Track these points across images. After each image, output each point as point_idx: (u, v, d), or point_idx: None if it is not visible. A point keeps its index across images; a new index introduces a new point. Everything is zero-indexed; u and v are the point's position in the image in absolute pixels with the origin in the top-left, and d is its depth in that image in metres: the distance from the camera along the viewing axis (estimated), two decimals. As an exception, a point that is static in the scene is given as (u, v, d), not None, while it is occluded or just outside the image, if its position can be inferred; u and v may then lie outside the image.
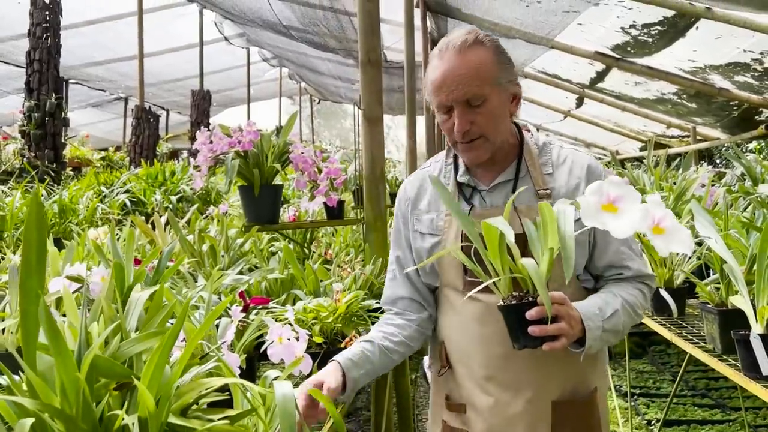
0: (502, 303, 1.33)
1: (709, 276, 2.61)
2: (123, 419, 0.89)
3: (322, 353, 1.93)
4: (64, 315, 1.15)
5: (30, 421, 0.83)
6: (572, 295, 1.55)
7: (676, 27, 4.77)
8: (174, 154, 10.90)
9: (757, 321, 1.76)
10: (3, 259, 2.53)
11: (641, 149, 9.75)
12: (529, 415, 1.56)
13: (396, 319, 1.71)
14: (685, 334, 2.48)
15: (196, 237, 2.67)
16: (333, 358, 1.56)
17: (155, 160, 7.03)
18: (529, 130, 1.75)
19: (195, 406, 1.06)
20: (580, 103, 8.53)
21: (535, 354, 1.38)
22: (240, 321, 1.72)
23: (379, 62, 2.94)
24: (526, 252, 1.32)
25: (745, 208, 2.89)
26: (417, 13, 6.32)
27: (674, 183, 3.30)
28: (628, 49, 5.54)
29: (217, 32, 9.40)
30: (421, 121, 6.85)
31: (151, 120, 7.70)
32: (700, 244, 2.58)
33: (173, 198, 4.49)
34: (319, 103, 16.87)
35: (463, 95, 1.52)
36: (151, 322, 1.10)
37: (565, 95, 8.30)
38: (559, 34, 5.72)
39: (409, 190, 1.76)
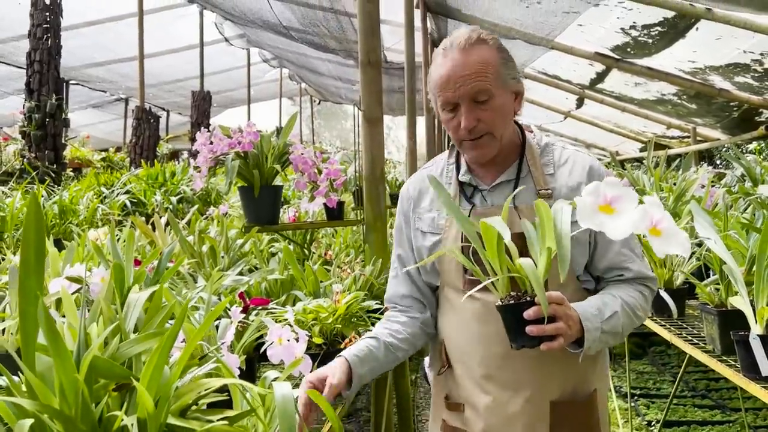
0: (500, 303, 1.34)
1: (708, 277, 2.61)
2: (122, 420, 0.89)
3: (321, 354, 1.93)
4: (64, 316, 1.15)
5: (29, 421, 0.83)
6: (572, 295, 1.55)
7: (676, 28, 4.77)
8: (174, 155, 10.91)
9: (756, 322, 1.76)
10: (3, 259, 2.53)
11: (641, 150, 9.75)
12: (527, 414, 1.56)
13: (400, 317, 1.72)
14: (684, 335, 2.48)
15: (196, 238, 2.68)
16: (340, 354, 1.57)
17: (155, 160, 7.03)
18: (531, 131, 1.75)
19: (194, 407, 1.06)
20: (580, 103, 8.53)
21: (534, 354, 1.39)
22: (240, 322, 1.72)
23: (379, 63, 2.94)
24: (525, 252, 1.33)
25: (745, 209, 2.89)
26: (417, 14, 6.33)
27: (674, 184, 3.30)
28: (628, 49, 5.54)
29: (218, 33, 9.40)
30: (421, 122, 6.86)
31: (152, 121, 7.70)
32: (699, 244, 2.58)
33: (173, 199, 4.49)
34: (319, 103, 16.88)
35: (470, 90, 1.53)
36: (151, 323, 1.11)
37: (565, 96, 8.30)
38: (559, 35, 5.72)
39: (411, 189, 1.78)
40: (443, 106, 1.60)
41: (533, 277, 1.25)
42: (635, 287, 1.60)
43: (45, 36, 5.83)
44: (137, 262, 1.95)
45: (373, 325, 2.07)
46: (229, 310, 1.69)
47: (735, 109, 6.24)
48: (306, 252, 3.33)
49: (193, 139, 8.11)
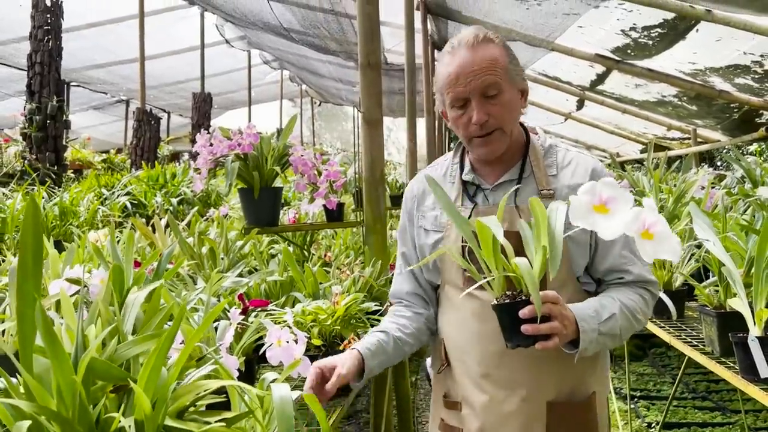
0: (496, 302, 1.34)
1: (708, 278, 2.61)
2: (119, 422, 0.89)
3: (320, 356, 1.94)
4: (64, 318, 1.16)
5: (27, 423, 0.83)
6: (572, 297, 1.55)
7: (676, 29, 4.77)
8: (175, 157, 10.91)
9: (755, 323, 1.76)
10: (3, 261, 2.53)
11: (642, 151, 9.75)
12: (523, 414, 1.57)
13: (405, 312, 1.75)
14: (684, 337, 2.48)
15: (195, 239, 2.68)
16: (353, 347, 1.60)
17: (156, 162, 7.04)
18: (536, 133, 1.77)
19: (192, 409, 1.06)
20: (580, 105, 8.54)
21: (532, 353, 1.39)
22: (239, 323, 1.72)
23: (378, 65, 2.94)
24: (522, 251, 1.33)
25: (745, 211, 2.89)
26: (417, 15, 6.33)
27: (674, 185, 3.30)
28: (629, 51, 5.55)
29: (218, 35, 9.41)
30: (421, 124, 6.86)
31: (152, 122, 7.71)
32: (699, 246, 2.58)
33: (174, 200, 4.49)
34: (320, 105, 16.88)
35: (480, 85, 1.55)
36: (149, 325, 1.11)
37: (566, 97, 8.30)
38: (559, 37, 5.73)
39: (415, 188, 1.80)
40: (453, 103, 1.61)
41: (528, 277, 1.26)
42: (635, 290, 1.60)
43: (46, 38, 5.84)
44: (137, 264, 1.96)
45: (372, 326, 2.08)
46: (228, 311, 1.69)
47: (735, 110, 6.24)
48: (306, 254, 3.33)
49: (193, 141, 8.11)
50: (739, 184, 3.85)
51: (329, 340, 2.00)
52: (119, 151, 9.93)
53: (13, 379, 0.94)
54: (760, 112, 5.94)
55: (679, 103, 6.71)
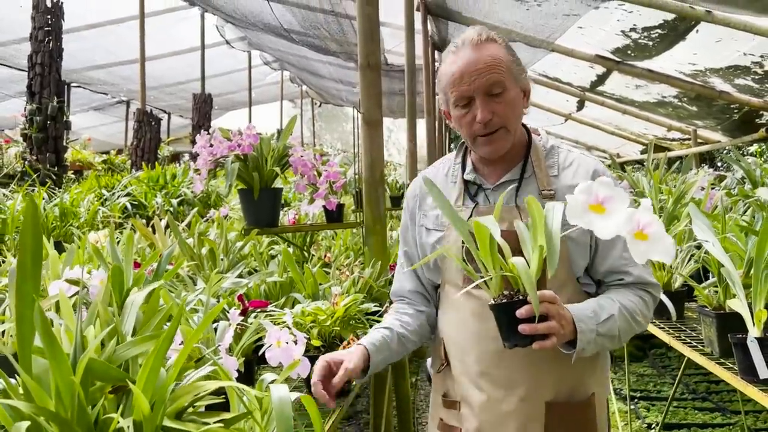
0: (493, 302, 1.34)
1: (708, 279, 2.61)
2: (118, 422, 0.89)
3: (319, 357, 1.94)
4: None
5: (25, 424, 0.84)
6: (572, 297, 1.56)
7: (676, 30, 4.77)
8: (175, 157, 10.91)
9: (754, 324, 1.76)
10: (4, 262, 2.53)
11: (642, 152, 9.75)
12: (521, 413, 1.57)
13: (408, 309, 1.77)
14: (683, 338, 2.48)
15: (195, 240, 2.68)
16: (359, 342, 1.63)
17: (156, 163, 7.04)
18: (539, 134, 1.77)
19: (191, 409, 1.06)
20: (580, 106, 8.54)
21: (531, 353, 1.40)
22: (239, 324, 1.72)
23: (378, 66, 2.94)
24: (520, 251, 1.33)
25: (745, 212, 2.89)
26: (418, 16, 6.34)
27: (674, 186, 3.30)
28: (629, 52, 5.55)
29: (219, 36, 9.42)
30: (421, 125, 6.87)
31: (153, 123, 7.71)
32: (699, 247, 2.58)
33: (174, 201, 4.49)
34: (320, 106, 16.89)
35: (485, 83, 1.56)
36: (148, 325, 1.11)
37: (566, 98, 8.31)
38: (559, 38, 5.73)
39: (417, 188, 1.81)
40: (457, 102, 1.61)
41: (525, 276, 1.26)
42: (635, 292, 1.60)
43: (46, 39, 5.85)
44: (137, 265, 1.96)
45: (371, 327, 2.08)
46: (228, 312, 1.70)
47: (735, 111, 6.25)
48: (305, 254, 3.33)
49: (194, 142, 8.12)
50: (738, 185, 3.85)
51: (329, 341, 2.00)
52: (120, 152, 9.93)
53: (12, 380, 0.94)
54: (761, 112, 5.94)
55: (680, 103, 6.72)
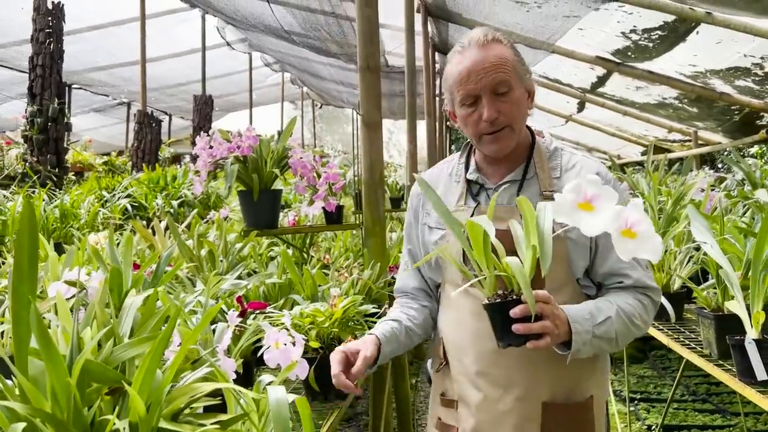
0: (487, 301, 1.35)
1: (707, 281, 2.62)
2: (114, 424, 0.90)
3: (318, 358, 1.94)
4: (60, 320, 1.16)
5: (22, 425, 0.84)
6: (571, 298, 1.56)
7: (676, 32, 4.77)
8: (176, 159, 10.92)
9: (752, 326, 1.76)
10: (4, 263, 2.54)
11: (643, 153, 9.75)
12: (517, 413, 1.57)
13: (413, 304, 1.79)
14: (682, 339, 2.48)
15: (195, 242, 2.69)
16: (370, 332, 1.65)
17: (157, 164, 7.04)
18: (543, 136, 1.78)
19: (187, 411, 1.07)
20: (581, 107, 8.54)
21: (529, 353, 1.40)
22: (237, 326, 1.73)
23: (377, 68, 2.95)
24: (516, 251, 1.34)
25: (744, 213, 2.89)
26: (418, 18, 6.35)
27: (674, 188, 3.30)
28: (629, 53, 5.55)
29: (220, 37, 9.44)
30: (422, 126, 6.87)
31: (154, 125, 7.72)
32: (698, 248, 2.58)
33: (175, 203, 4.50)
34: (321, 107, 16.89)
35: (491, 82, 1.57)
36: (145, 327, 1.11)
37: (566, 100, 8.31)
38: (559, 39, 5.74)
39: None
40: (463, 101, 1.62)
41: (520, 276, 1.26)
42: (634, 296, 1.59)
43: (47, 40, 5.86)
44: (136, 266, 1.96)
45: (369, 328, 2.08)
46: (226, 313, 1.70)
47: (736, 112, 6.25)
48: (305, 256, 3.33)
49: (194, 143, 8.12)
50: (738, 187, 3.85)
51: (327, 343, 2.00)
52: (120, 153, 9.94)
53: (9, 381, 0.94)
54: (761, 114, 5.94)
55: (680, 105, 6.72)
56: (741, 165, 3.46)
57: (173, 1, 7.68)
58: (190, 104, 9.42)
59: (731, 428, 4.19)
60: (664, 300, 2.64)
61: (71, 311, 1.14)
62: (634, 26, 4.93)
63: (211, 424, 1.03)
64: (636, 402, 4.73)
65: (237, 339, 1.76)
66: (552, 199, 1.57)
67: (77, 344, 0.96)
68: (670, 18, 4.55)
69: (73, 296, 1.60)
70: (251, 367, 1.95)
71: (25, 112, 5.87)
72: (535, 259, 1.27)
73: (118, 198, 4.45)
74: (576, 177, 1.63)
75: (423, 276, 1.81)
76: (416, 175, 1.62)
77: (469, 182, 1.72)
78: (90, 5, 7.93)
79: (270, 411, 1.09)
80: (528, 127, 1.73)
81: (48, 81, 5.85)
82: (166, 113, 12.98)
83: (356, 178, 3.44)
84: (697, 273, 2.78)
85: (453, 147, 15.97)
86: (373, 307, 2.21)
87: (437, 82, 8.17)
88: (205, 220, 3.75)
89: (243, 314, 1.96)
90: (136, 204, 4.45)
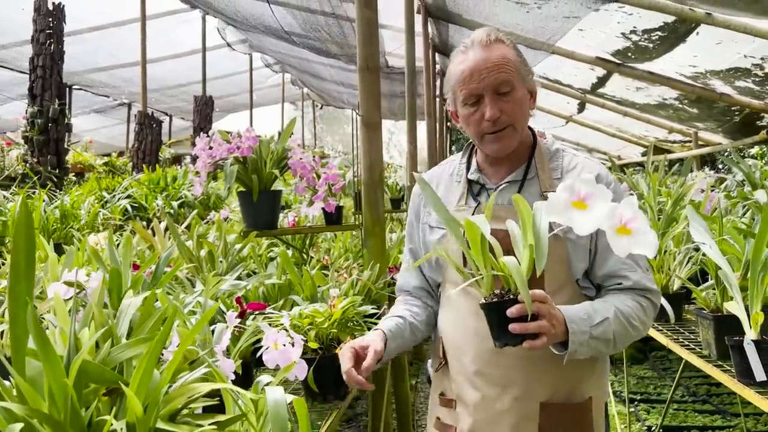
0: (484, 301, 1.35)
1: (707, 281, 2.61)
2: (111, 424, 0.90)
3: (317, 359, 1.94)
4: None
5: (19, 426, 0.84)
6: (570, 299, 1.56)
7: (676, 32, 4.77)
8: (177, 160, 10.93)
9: (750, 327, 1.76)
10: (4, 264, 2.54)
11: (643, 154, 9.74)
12: (515, 413, 1.58)
13: (416, 301, 1.80)
14: (681, 340, 2.48)
15: (194, 242, 2.69)
16: (377, 327, 1.67)
17: (157, 165, 7.04)
18: (545, 137, 1.78)
19: (185, 411, 1.07)
20: (581, 108, 8.54)
21: (527, 353, 1.41)
22: (236, 327, 1.73)
23: (377, 69, 2.95)
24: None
25: (744, 214, 2.89)
26: (418, 19, 6.35)
27: (674, 188, 3.30)
28: (629, 54, 5.55)
29: (220, 38, 9.44)
30: (422, 127, 6.87)
31: (154, 125, 7.72)
32: (697, 249, 2.58)
33: (175, 203, 4.50)
34: (321, 108, 16.89)
35: (494, 81, 1.58)
36: (143, 328, 1.11)
37: (567, 100, 8.31)
38: (559, 40, 5.73)
39: None
40: (465, 100, 1.63)
41: (517, 275, 1.26)
42: (633, 297, 1.59)
43: (48, 41, 5.87)
44: (136, 267, 1.97)
45: (369, 329, 2.08)
46: (225, 314, 1.70)
47: (736, 113, 6.24)
48: (305, 257, 3.33)
49: (195, 144, 8.11)
50: (738, 188, 3.85)
51: (326, 343, 2.00)
52: (121, 154, 9.95)
53: (6, 382, 0.94)
54: (761, 115, 5.94)
55: (680, 106, 6.71)
56: (741, 166, 3.46)
57: (174, 2, 7.68)
58: (190, 105, 9.42)
59: (731, 429, 4.19)
60: (663, 301, 2.64)
61: (69, 312, 1.14)
62: (634, 27, 4.93)
63: (209, 424, 1.03)
64: (636, 403, 4.73)
65: (236, 340, 1.76)
66: (552, 199, 1.58)
67: (75, 345, 0.96)
68: (670, 19, 4.55)
69: (73, 297, 1.60)
70: (250, 368, 1.95)
71: (26, 113, 5.87)
72: (533, 258, 1.27)
73: (119, 199, 4.45)
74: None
75: (424, 275, 1.82)
76: (416, 174, 1.62)
77: (470, 182, 1.73)
78: (90, 6, 7.94)
79: (268, 411, 1.09)
80: (530, 128, 1.74)
81: (48, 82, 5.86)
82: (166, 114, 12.99)
83: (356, 179, 3.44)
84: (697, 274, 2.77)
85: (453, 148, 15.97)
86: (373, 308, 2.21)
87: (437, 83, 8.17)
88: (205, 220, 3.75)
89: (242, 315, 1.96)
90: (137, 205, 4.45)
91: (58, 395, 0.87)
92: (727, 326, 2.03)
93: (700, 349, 2.31)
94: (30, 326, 0.85)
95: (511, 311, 1.31)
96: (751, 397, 1.75)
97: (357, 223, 3.25)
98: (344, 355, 1.52)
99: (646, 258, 2.68)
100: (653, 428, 4.17)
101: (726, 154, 7.06)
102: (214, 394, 1.18)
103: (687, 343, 2.43)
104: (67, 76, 6.87)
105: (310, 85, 13.20)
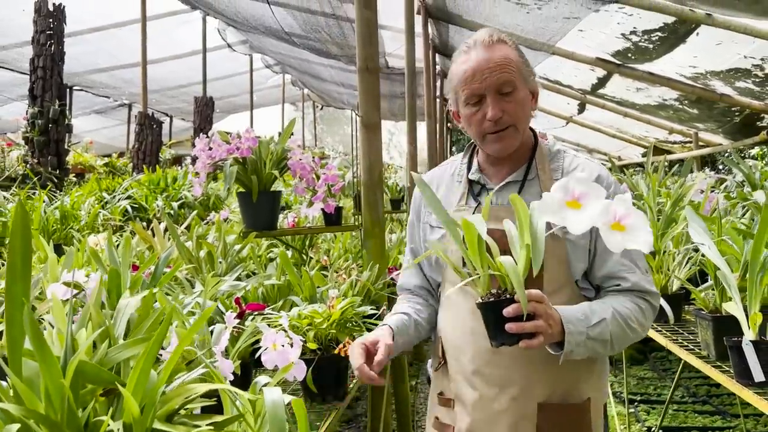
0: (480, 300, 1.35)
1: (706, 282, 2.61)
2: (108, 425, 0.90)
3: (316, 359, 1.94)
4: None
5: (16, 426, 0.84)
6: (569, 300, 1.56)
7: (676, 33, 4.77)
8: (177, 161, 10.93)
9: (749, 327, 1.76)
10: (3, 265, 2.54)
11: (643, 155, 9.74)
12: (513, 413, 1.58)
13: (418, 299, 1.81)
14: (680, 341, 2.48)
15: (194, 243, 2.69)
16: (384, 323, 1.66)
17: (158, 166, 7.05)
18: (546, 139, 1.78)
19: (183, 412, 1.07)
20: (581, 109, 8.54)
21: (524, 353, 1.41)
22: (235, 327, 1.73)
23: (376, 69, 2.95)
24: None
25: (744, 215, 2.89)
26: (418, 20, 6.35)
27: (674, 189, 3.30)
28: (629, 55, 5.55)
29: (221, 39, 9.45)
30: (422, 127, 6.87)
31: (155, 126, 7.73)
32: (697, 250, 2.58)
33: (175, 204, 4.50)
34: (321, 109, 16.90)
35: (496, 81, 1.58)
36: (140, 328, 1.12)
37: (567, 101, 8.31)
38: (560, 41, 5.73)
39: None
40: (467, 100, 1.63)
41: (513, 275, 1.26)
42: (632, 299, 1.58)
43: (48, 42, 5.87)
44: (135, 268, 1.97)
45: (368, 330, 2.08)
46: (224, 315, 1.70)
47: (737, 114, 6.24)
48: (304, 257, 3.33)
49: (195, 145, 8.10)
50: (738, 188, 3.85)
51: (325, 344, 2.00)
52: (121, 155, 9.95)
53: (3, 383, 0.94)
54: (762, 115, 5.94)
55: (681, 106, 6.71)
56: (741, 166, 3.46)
57: (174, 3, 7.68)
58: (190, 106, 9.43)
59: (731, 430, 4.19)
60: (662, 301, 2.63)
61: (73, 312, 1.14)
62: (634, 28, 4.93)
63: (206, 425, 1.03)
64: (636, 404, 4.73)
65: (235, 340, 1.76)
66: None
67: (71, 345, 0.96)
68: (670, 19, 4.55)
69: (72, 297, 1.60)
70: (249, 368, 1.95)
71: (26, 113, 5.88)
72: (530, 258, 1.27)
73: (119, 199, 4.45)
74: None
75: (425, 275, 1.82)
76: (414, 175, 1.62)
77: (471, 182, 1.73)
78: (91, 7, 7.94)
79: (266, 412, 1.09)
80: (531, 129, 1.74)
81: (49, 83, 5.87)
82: (167, 115, 13.00)
83: (355, 180, 3.44)
84: (696, 275, 2.77)
85: (454, 148, 15.97)
86: (372, 309, 2.22)
87: (437, 84, 8.17)
88: (205, 221, 3.76)
89: (241, 315, 1.96)
90: (137, 205, 4.45)
91: (55, 396, 0.87)
92: (726, 327, 2.03)
93: (699, 349, 2.31)
94: (26, 327, 0.85)
95: (508, 311, 1.31)
96: (750, 398, 1.75)
97: (356, 223, 3.25)
98: (355, 352, 1.51)
99: (646, 260, 2.69)
100: (653, 429, 4.16)
101: (726, 154, 7.06)
102: (213, 394, 1.19)
103: (686, 343, 2.43)
104: (68, 77, 6.87)
105: (311, 86, 13.21)
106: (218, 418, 1.06)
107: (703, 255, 2.36)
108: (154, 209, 4.42)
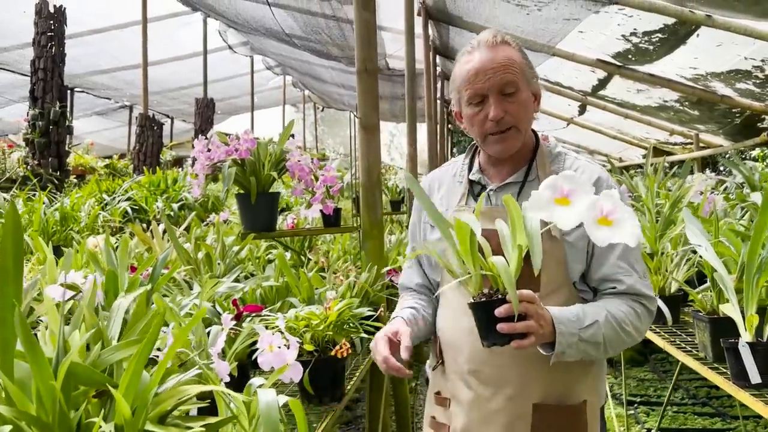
0: (472, 300, 1.35)
1: (704, 283, 2.61)
2: (100, 426, 0.90)
3: (313, 361, 1.94)
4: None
5: (7, 428, 0.84)
6: (566, 302, 1.56)
7: (676, 34, 4.77)
8: (178, 162, 10.94)
9: (746, 329, 1.76)
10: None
11: (644, 156, 9.73)
12: (508, 413, 1.58)
13: (421, 296, 1.81)
14: (678, 342, 2.48)
15: (192, 245, 2.69)
16: (397, 315, 1.67)
17: (158, 167, 7.06)
18: (548, 141, 1.79)
19: (176, 413, 1.07)
20: (582, 110, 8.54)
21: (521, 353, 1.41)
22: (232, 329, 1.73)
23: (375, 71, 2.95)
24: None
25: (742, 216, 2.89)
26: (418, 21, 6.35)
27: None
28: (630, 56, 5.55)
29: (221, 41, 9.45)
30: (422, 129, 6.88)
31: (155, 128, 7.75)
32: (694, 251, 2.58)
33: (175, 205, 4.50)
34: (322, 110, 16.90)
35: (499, 82, 1.59)
36: (134, 329, 1.12)
37: (568, 102, 8.31)
38: (560, 42, 5.73)
39: (425, 185, 1.85)
40: (470, 100, 1.63)
41: (505, 275, 1.26)
42: (627, 302, 1.57)
43: (49, 44, 5.89)
44: (133, 269, 1.97)
45: (365, 332, 2.08)
46: (221, 316, 1.70)
47: (737, 115, 6.24)
48: (302, 259, 3.34)
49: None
50: (738, 190, 3.85)
51: (322, 346, 2.00)
52: (122, 156, 9.96)
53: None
54: (762, 117, 5.94)
55: (681, 108, 6.71)
56: (740, 168, 3.45)
57: (175, 5, 7.69)
58: (191, 107, 9.44)
59: (731, 431, 4.18)
60: (660, 303, 2.63)
61: (72, 314, 1.14)
62: (635, 29, 4.93)
63: (199, 426, 1.03)
64: (636, 405, 4.72)
65: (232, 342, 1.77)
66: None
67: (63, 347, 0.96)
68: (671, 21, 4.55)
69: (70, 299, 1.60)
70: (247, 370, 1.95)
71: (27, 115, 5.89)
72: (521, 258, 1.27)
73: (119, 201, 4.46)
74: None
75: (426, 274, 1.83)
76: (408, 174, 1.62)
77: (471, 183, 1.74)
78: (92, 9, 7.96)
79: (260, 414, 1.09)
80: (533, 131, 1.75)
81: (50, 84, 5.88)
82: (167, 116, 13.01)
83: (354, 181, 3.44)
84: (694, 276, 2.77)
85: (454, 150, 15.96)
86: (369, 310, 2.22)
87: (438, 86, 8.17)
88: (204, 223, 3.76)
89: (239, 317, 1.96)
90: (137, 207, 4.45)
91: (46, 397, 0.87)
92: (723, 328, 2.03)
93: (697, 351, 2.31)
94: (18, 328, 0.85)
95: (499, 311, 1.31)
96: (746, 400, 1.75)
97: (355, 225, 3.25)
98: (380, 344, 1.51)
99: (645, 263, 2.69)
100: (652, 430, 4.16)
101: (727, 156, 7.05)
102: (209, 396, 1.19)
103: (684, 345, 2.43)
104: (69, 79, 6.88)
105: (311, 87, 13.22)
106: (211, 420, 1.06)
107: (700, 256, 2.37)
108: (154, 211, 4.42)
